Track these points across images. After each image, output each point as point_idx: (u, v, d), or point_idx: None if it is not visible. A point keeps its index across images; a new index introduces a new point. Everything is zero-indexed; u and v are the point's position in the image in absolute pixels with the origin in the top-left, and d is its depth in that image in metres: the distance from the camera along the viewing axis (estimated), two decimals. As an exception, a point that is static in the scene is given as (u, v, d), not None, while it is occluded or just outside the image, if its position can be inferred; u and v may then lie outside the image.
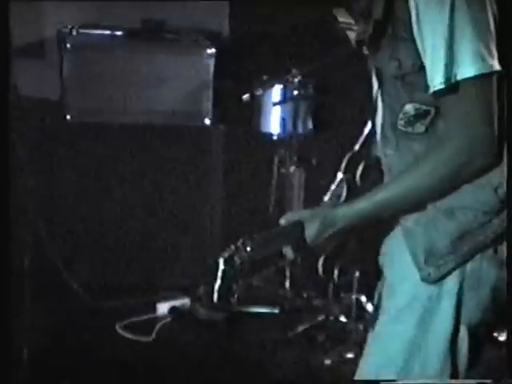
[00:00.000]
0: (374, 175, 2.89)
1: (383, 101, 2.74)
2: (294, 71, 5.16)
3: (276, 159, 5.47)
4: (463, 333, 2.55)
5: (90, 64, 5.63)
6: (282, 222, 2.74)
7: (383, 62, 2.66)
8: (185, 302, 5.32)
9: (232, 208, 5.68)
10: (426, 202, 2.60)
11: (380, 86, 2.75)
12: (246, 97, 5.15)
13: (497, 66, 2.45)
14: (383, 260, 2.81)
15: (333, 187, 2.97)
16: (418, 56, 2.53)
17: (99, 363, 4.77)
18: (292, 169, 5.25)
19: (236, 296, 3.18)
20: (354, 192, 2.87)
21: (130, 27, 5.76)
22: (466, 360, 2.59)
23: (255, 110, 5.37)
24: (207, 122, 5.64)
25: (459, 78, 2.45)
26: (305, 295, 5.37)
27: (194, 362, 4.80)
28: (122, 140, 5.63)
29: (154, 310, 5.38)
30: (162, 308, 5.32)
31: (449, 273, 2.55)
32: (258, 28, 5.69)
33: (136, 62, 5.68)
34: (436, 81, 2.49)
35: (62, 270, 5.48)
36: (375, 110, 2.81)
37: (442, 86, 2.47)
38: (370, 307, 4.87)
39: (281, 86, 5.23)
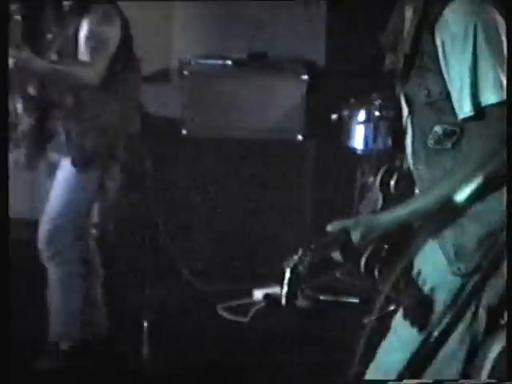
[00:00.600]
0: (406, 185, 3.03)
1: (413, 122, 2.86)
2: (375, 95, 5.49)
3: (359, 171, 5.75)
4: (482, 315, 2.71)
5: (203, 88, 5.98)
6: (329, 228, 2.82)
7: (413, 90, 2.81)
8: (277, 289, 5.63)
9: (320, 211, 5.85)
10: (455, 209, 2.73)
11: (410, 110, 2.87)
12: (334, 117, 5.56)
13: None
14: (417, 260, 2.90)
15: (370, 196, 3.18)
16: (445, 85, 2.69)
17: (202, 337, 5.08)
18: (371, 180, 5.42)
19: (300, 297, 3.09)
20: (388, 200, 3.04)
21: (238, 57, 6.06)
22: (482, 338, 2.76)
23: (342, 128, 5.64)
24: (300, 137, 5.95)
25: (484, 105, 2.62)
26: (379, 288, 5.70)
27: (282, 342, 4.98)
28: (229, 152, 5.92)
29: (251, 295, 5.63)
30: (258, 294, 5.56)
31: (476, 268, 2.67)
32: (348, 56, 5.94)
33: (241, 87, 5.97)
34: (465, 109, 2.63)
35: (177, 259, 5.89)
36: (405, 130, 2.92)
37: (471, 114, 2.63)
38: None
39: (364, 108, 5.54)
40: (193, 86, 6.02)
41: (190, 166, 6.06)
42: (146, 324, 4.85)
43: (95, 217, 5.73)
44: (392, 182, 3.05)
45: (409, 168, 2.99)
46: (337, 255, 2.80)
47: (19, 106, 4.65)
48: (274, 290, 5.25)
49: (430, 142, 2.77)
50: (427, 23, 2.68)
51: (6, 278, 3.07)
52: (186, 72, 5.96)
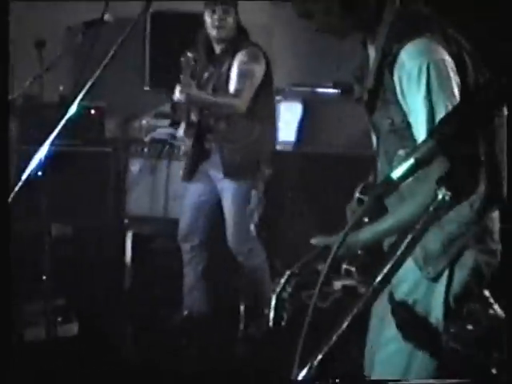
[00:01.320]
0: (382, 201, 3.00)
1: (379, 147, 2.96)
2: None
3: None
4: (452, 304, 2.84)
5: (316, 111, 6.33)
6: (313, 241, 2.90)
7: (379, 119, 2.89)
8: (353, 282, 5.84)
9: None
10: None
11: (377, 136, 2.96)
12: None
13: None
14: None
15: (348, 212, 3.23)
16: (405, 115, 2.76)
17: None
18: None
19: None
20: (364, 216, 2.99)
21: (344, 86, 6.20)
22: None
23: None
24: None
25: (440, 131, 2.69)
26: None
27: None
28: (320, 165, 6.08)
29: (331, 285, 5.59)
30: (337, 285, 5.56)
31: (443, 270, 2.77)
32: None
33: (347, 110, 5.97)
34: (422, 136, 2.67)
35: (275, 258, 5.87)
36: (376, 153, 2.98)
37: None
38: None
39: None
40: (285, 110, 6.35)
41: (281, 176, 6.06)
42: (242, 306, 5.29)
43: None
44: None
45: None
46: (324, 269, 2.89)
47: (181, 131, 5.24)
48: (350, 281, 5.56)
49: (395, 164, 2.66)
50: (387, 63, 2.75)
51: (7, 278, 3.09)
52: (279, 97, 6.24)
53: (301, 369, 1.71)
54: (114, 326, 5.31)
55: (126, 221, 5.78)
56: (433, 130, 1.89)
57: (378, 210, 2.94)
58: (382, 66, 2.76)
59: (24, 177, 3.45)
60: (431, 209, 1.84)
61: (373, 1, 2.82)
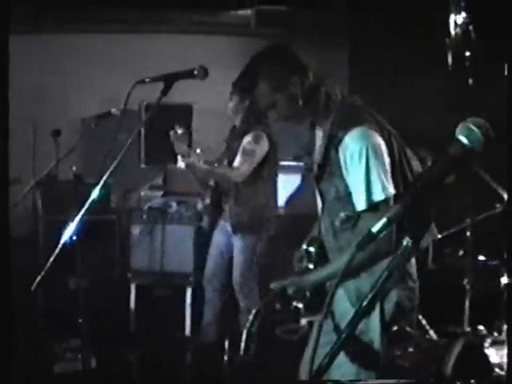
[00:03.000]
0: (324, 252, 3.16)
1: (323, 209, 3.08)
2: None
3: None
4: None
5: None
6: (272, 286, 3.05)
7: (325, 187, 3.03)
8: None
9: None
10: (358, 271, 2.87)
11: (323, 201, 3.07)
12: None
13: (392, 191, 2.86)
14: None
15: (295, 260, 3.32)
16: (347, 185, 2.92)
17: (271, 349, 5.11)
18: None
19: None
20: (311, 262, 3.19)
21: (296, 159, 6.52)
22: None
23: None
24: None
25: (375, 201, 2.86)
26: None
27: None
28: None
29: (299, 321, 5.49)
30: (303, 321, 5.47)
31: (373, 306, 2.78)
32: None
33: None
34: (361, 204, 2.88)
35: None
36: (319, 214, 3.12)
37: (365, 207, 2.87)
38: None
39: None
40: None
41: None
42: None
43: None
44: (312, 249, 3.21)
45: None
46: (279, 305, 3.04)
47: (207, 193, 5.60)
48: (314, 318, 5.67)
49: (337, 223, 3.00)
50: (333, 144, 2.92)
51: (7, 279, 3.27)
52: None
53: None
54: (123, 361, 5.57)
55: (130, 274, 6.03)
56: (400, 199, 2.15)
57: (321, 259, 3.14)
58: (328, 146, 2.95)
59: (61, 243, 3.58)
60: (398, 252, 2.01)
61: (321, 96, 3.03)
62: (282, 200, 6.57)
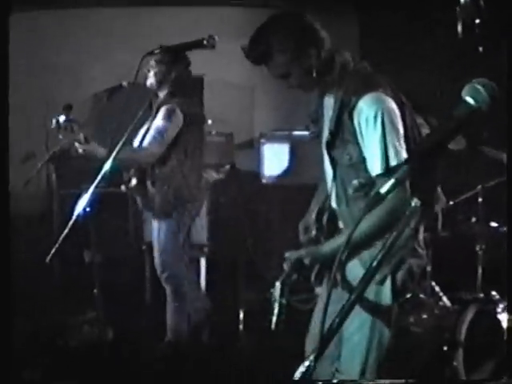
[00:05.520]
0: (334, 221, 3.14)
1: (336, 177, 3.02)
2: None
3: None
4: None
5: (275, 150, 6.52)
6: (287, 255, 2.99)
7: (338, 154, 2.98)
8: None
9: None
10: (371, 240, 2.81)
11: (335, 169, 3.02)
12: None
13: (405, 155, 2.82)
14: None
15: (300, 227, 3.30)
16: (361, 152, 2.89)
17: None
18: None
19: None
20: (322, 231, 3.16)
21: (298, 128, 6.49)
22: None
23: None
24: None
25: (390, 166, 2.81)
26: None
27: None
28: (294, 194, 5.91)
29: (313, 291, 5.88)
30: (318, 290, 5.74)
31: (386, 276, 2.91)
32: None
33: (302, 149, 6.30)
34: (376, 169, 2.84)
35: (262, 267, 6.16)
36: (332, 182, 3.06)
37: (380, 172, 2.83)
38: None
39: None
40: (268, 150, 6.58)
41: (267, 203, 6.47)
42: (241, 313, 5.51)
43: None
44: (324, 217, 3.18)
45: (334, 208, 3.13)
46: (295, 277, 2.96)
47: (131, 171, 5.03)
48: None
49: (350, 191, 2.96)
50: (346, 109, 2.89)
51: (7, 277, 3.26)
52: (263, 140, 6.57)
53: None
54: (140, 331, 5.60)
55: (144, 247, 6.01)
56: (406, 159, 2.09)
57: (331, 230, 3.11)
58: (341, 112, 2.91)
59: (74, 217, 3.66)
60: (407, 213, 2.00)
61: (336, 65, 2.99)
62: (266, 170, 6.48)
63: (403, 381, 2.90)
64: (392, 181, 1.97)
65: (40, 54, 6.89)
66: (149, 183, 4.98)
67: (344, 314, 1.91)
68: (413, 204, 2.01)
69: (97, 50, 7.24)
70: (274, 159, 6.66)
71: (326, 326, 1.92)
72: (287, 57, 2.93)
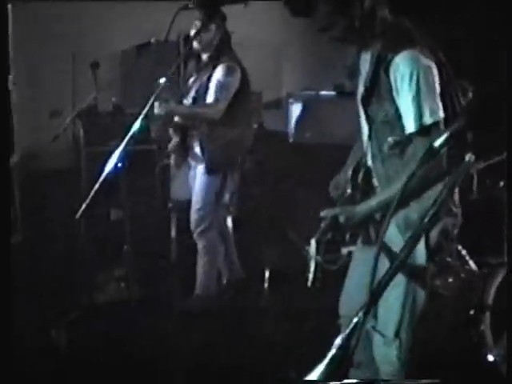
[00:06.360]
0: (369, 179, 3.12)
1: (371, 134, 3.01)
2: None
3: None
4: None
5: (314, 110, 6.66)
6: (322, 213, 3.01)
7: (374, 111, 2.95)
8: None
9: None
10: (408, 198, 2.81)
11: (370, 126, 3.00)
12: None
13: (442, 115, 2.82)
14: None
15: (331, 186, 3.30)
16: (397, 109, 2.86)
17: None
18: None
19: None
20: (357, 189, 3.14)
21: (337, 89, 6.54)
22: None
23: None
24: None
25: (425, 124, 2.82)
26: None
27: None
28: (322, 154, 6.13)
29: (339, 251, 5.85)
30: (344, 251, 5.66)
31: (420, 234, 2.67)
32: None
33: (344, 110, 5.71)
34: (411, 127, 2.83)
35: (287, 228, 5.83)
36: (368, 139, 3.05)
37: (415, 130, 2.83)
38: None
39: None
40: (295, 110, 6.61)
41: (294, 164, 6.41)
42: (267, 272, 5.46)
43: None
44: (360, 176, 3.16)
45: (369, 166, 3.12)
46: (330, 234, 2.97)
47: (170, 130, 5.24)
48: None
49: (385, 148, 2.95)
50: (383, 66, 2.86)
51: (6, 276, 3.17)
52: (291, 100, 6.63)
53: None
54: (164, 289, 5.57)
55: (170, 204, 5.99)
56: (458, 115, 2.17)
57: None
58: (377, 68, 2.89)
59: (104, 175, 3.65)
60: (459, 169, 1.99)
61: (377, 18, 2.93)
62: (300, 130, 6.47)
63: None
64: (446, 134, 1.96)
65: (64, 11, 6.79)
66: (194, 141, 5.09)
67: (387, 279, 1.89)
68: (467, 159, 1.96)
69: (124, 6, 7.13)
70: (302, 119, 6.67)
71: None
72: (331, 7, 2.90)
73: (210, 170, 5.10)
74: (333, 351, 1.69)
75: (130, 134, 3.55)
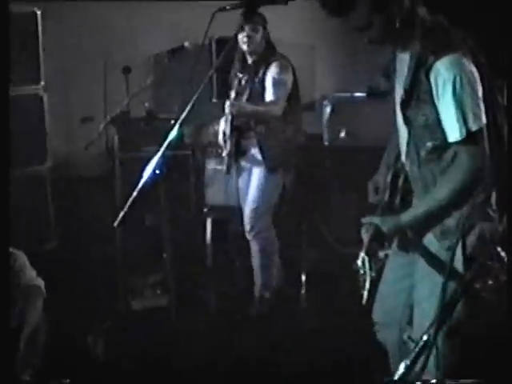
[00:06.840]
0: (408, 184, 3.08)
1: (410, 138, 2.94)
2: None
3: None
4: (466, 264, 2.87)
5: (341, 114, 6.49)
6: (363, 220, 3.00)
7: (413, 115, 2.87)
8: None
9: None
10: (452, 206, 2.81)
11: (409, 129, 2.92)
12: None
13: (484, 120, 2.76)
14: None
15: (370, 186, 3.28)
16: (437, 113, 2.79)
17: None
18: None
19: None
20: (397, 194, 3.11)
21: (370, 91, 6.30)
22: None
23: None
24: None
25: (469, 131, 2.75)
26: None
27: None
28: (358, 156, 6.08)
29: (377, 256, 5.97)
30: (381, 254, 5.88)
31: (457, 242, 2.80)
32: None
33: (374, 112, 6.04)
34: (454, 134, 2.77)
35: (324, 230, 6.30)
36: (407, 143, 2.98)
37: (459, 139, 2.76)
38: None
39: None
40: (334, 113, 6.48)
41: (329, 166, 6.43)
42: (303, 275, 5.56)
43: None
44: (400, 180, 3.13)
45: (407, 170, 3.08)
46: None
47: (220, 135, 5.22)
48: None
49: (423, 153, 2.89)
50: (423, 69, 2.78)
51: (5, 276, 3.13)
52: (325, 102, 6.50)
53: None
54: (201, 294, 5.59)
55: (206, 209, 5.98)
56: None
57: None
58: (417, 70, 2.80)
59: (142, 181, 3.53)
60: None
61: (417, 17, 2.84)
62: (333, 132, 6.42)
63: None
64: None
65: (95, 15, 6.79)
66: (251, 142, 5.13)
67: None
68: None
69: (155, 11, 7.09)
70: (336, 121, 6.56)
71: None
72: (370, 4, 2.77)
73: (270, 169, 5.11)
74: (401, 370, 1.76)
75: (169, 139, 3.46)
